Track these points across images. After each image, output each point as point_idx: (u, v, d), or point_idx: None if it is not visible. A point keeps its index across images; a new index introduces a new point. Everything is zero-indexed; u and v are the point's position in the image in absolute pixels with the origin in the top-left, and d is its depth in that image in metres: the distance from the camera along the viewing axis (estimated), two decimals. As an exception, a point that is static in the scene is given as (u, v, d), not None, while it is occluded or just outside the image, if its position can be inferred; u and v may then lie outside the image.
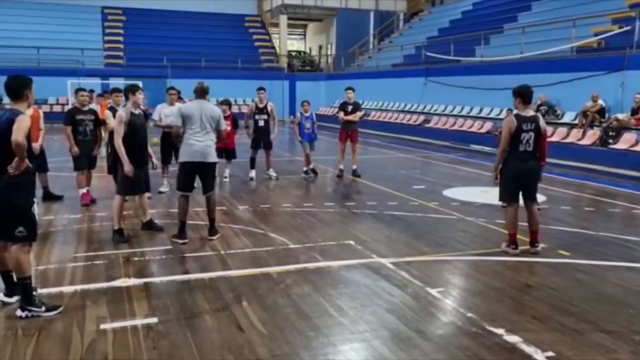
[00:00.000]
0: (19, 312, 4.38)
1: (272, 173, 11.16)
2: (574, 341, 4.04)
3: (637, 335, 4.14)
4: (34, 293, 4.53)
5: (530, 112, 6.12)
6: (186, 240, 6.57)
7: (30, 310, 4.37)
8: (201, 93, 6.75)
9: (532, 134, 5.98)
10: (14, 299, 4.59)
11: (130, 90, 6.77)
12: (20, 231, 4.33)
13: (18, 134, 4.17)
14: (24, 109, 4.42)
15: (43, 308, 4.42)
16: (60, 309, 4.49)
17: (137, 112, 6.75)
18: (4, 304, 4.60)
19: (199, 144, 6.51)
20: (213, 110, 6.73)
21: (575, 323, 4.34)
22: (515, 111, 6.23)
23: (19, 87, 4.42)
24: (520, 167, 6.05)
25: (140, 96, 6.82)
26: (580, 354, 3.85)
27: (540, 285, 5.23)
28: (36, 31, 26.84)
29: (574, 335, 4.13)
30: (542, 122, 6.10)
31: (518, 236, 6.30)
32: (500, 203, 6.47)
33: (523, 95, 6.07)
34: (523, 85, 6.20)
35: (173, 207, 8.55)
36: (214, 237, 6.71)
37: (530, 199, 6.23)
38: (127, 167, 6.47)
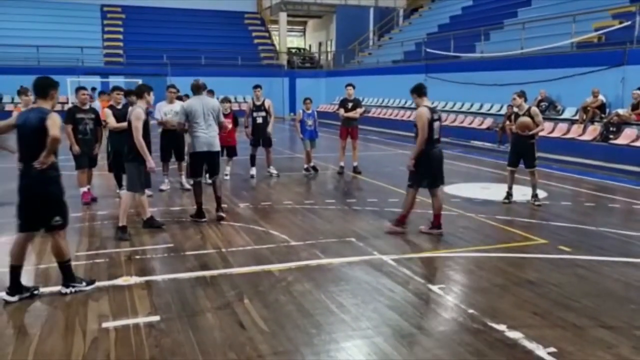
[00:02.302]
0: (63, 290, 4.82)
1: (273, 170, 11.17)
2: (575, 337, 4.05)
3: (638, 331, 4.14)
4: (36, 292, 4.73)
5: (431, 104, 6.84)
6: (205, 219, 7.35)
7: (74, 286, 4.85)
8: (197, 89, 7.43)
9: (439, 122, 6.72)
10: (16, 297, 4.64)
11: (147, 90, 6.88)
12: (57, 220, 4.72)
13: (55, 129, 4.52)
14: (48, 108, 4.70)
15: (84, 283, 4.93)
16: (95, 284, 4.99)
17: None
18: (7, 302, 4.62)
19: (205, 136, 7.27)
20: (213, 104, 7.52)
21: (576, 319, 4.35)
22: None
23: (45, 86, 4.74)
24: (436, 155, 6.69)
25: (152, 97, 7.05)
26: (581, 349, 3.86)
27: (542, 281, 5.23)
28: (35, 29, 26.78)
29: (576, 331, 4.14)
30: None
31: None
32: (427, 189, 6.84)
33: (418, 90, 6.75)
34: (417, 83, 6.86)
35: (174, 205, 8.59)
36: (222, 215, 7.44)
37: (441, 182, 6.86)
38: (151, 164, 6.69)
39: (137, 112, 6.65)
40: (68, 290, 4.81)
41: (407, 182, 6.84)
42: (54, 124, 4.52)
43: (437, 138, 6.68)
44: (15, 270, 4.70)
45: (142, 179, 6.79)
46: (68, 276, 4.86)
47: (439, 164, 6.73)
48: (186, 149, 9.78)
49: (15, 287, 4.69)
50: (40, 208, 4.66)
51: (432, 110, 6.66)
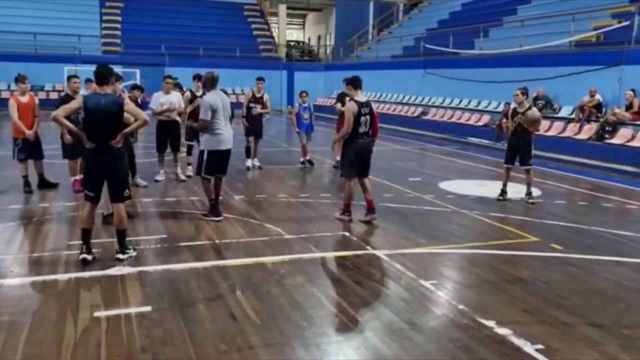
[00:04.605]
0: (120, 256, 5.37)
1: (256, 162, 11.18)
2: (563, 334, 4.08)
3: (626, 329, 4.18)
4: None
5: (364, 98, 6.94)
6: (221, 218, 7.04)
7: (128, 254, 5.43)
8: (214, 83, 7.07)
9: (368, 116, 6.87)
10: (91, 256, 5.34)
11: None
12: (127, 192, 5.46)
13: (143, 113, 5.27)
14: (111, 92, 5.40)
15: (131, 249, 5.52)
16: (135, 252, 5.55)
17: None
18: (86, 261, 5.26)
19: (226, 134, 7.09)
20: (228, 100, 7.33)
21: (565, 316, 4.38)
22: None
23: (105, 74, 5.32)
24: (361, 146, 6.94)
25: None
26: (569, 346, 3.89)
27: (533, 278, 5.26)
28: (33, 17, 26.60)
29: (564, 328, 4.17)
30: (373, 106, 7.05)
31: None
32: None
33: (353, 82, 6.93)
34: (353, 75, 7.03)
35: (169, 195, 8.58)
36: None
37: (367, 173, 7.14)
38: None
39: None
40: (124, 257, 5.36)
41: (341, 176, 7.32)
42: (135, 107, 5.32)
43: (366, 131, 6.93)
44: (88, 233, 5.37)
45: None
46: (123, 243, 5.45)
47: (365, 154, 7.02)
48: (182, 139, 9.85)
49: (89, 247, 5.37)
50: (116, 182, 5.32)
51: (362, 105, 6.83)
